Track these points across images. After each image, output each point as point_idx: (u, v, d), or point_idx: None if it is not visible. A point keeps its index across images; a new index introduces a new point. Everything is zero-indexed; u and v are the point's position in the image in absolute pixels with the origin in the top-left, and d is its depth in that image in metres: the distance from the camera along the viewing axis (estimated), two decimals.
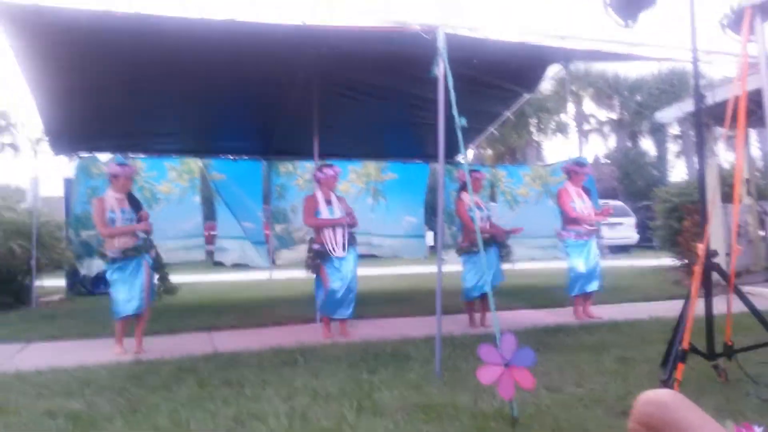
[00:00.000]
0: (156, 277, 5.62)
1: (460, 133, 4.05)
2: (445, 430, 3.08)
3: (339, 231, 5.84)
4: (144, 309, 5.33)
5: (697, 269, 3.60)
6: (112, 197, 5.36)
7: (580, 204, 6.66)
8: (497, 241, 6.44)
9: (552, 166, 9.42)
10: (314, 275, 5.93)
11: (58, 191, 11.60)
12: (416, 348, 4.99)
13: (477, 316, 6.45)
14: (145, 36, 4.99)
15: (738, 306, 3.73)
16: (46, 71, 5.86)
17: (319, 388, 3.83)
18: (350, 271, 5.86)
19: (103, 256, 5.43)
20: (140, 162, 7.97)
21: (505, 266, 6.78)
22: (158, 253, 5.63)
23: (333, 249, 5.77)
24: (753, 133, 14.79)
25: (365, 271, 12.40)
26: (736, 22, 3.83)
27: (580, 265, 6.50)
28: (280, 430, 3.10)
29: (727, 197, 8.64)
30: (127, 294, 5.22)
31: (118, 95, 6.72)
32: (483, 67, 6.28)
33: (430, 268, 11.91)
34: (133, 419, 3.31)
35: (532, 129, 28.90)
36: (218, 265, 10.34)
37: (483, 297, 6.16)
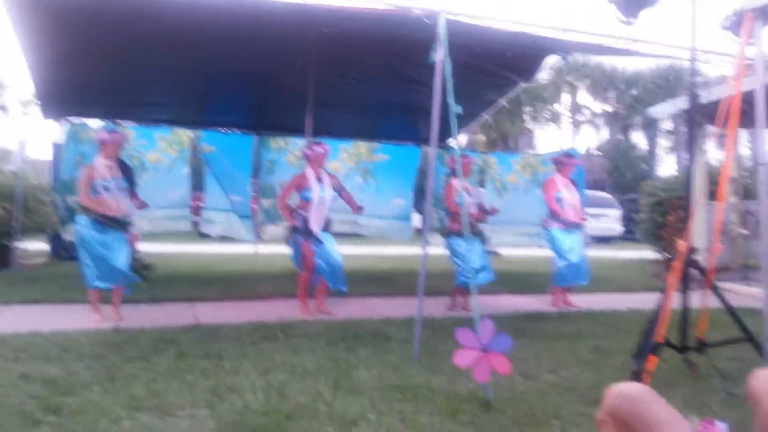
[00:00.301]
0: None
1: (455, 120, 4.05)
2: (419, 410, 3.13)
3: (323, 211, 5.85)
4: (124, 282, 5.29)
5: (677, 264, 3.66)
6: (102, 165, 5.30)
7: (567, 195, 6.69)
8: (477, 235, 6.45)
9: (543, 155, 9.44)
10: (294, 250, 5.95)
11: (45, 155, 11.53)
12: (396, 329, 5.04)
13: (460, 300, 6.50)
14: (143, 5, 4.92)
15: (714, 302, 3.79)
16: (40, 34, 5.76)
17: (298, 365, 3.87)
18: (332, 249, 5.90)
19: (86, 210, 5.26)
20: (130, 130, 7.89)
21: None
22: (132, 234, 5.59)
23: (313, 227, 5.79)
24: (743, 133, 14.89)
25: (349, 250, 12.45)
26: (736, 24, 3.85)
27: (572, 256, 6.54)
28: (257, 404, 3.13)
29: (714, 195, 8.74)
30: (100, 266, 5.15)
31: (111, 62, 6.63)
32: (481, 55, 6.25)
33: (415, 250, 11.96)
34: (110, 387, 3.32)
35: (526, 117, 28.91)
36: (204, 236, 10.32)
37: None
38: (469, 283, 6.22)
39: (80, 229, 5.22)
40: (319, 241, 5.84)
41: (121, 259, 5.23)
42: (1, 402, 3.04)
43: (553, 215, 6.66)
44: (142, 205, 5.63)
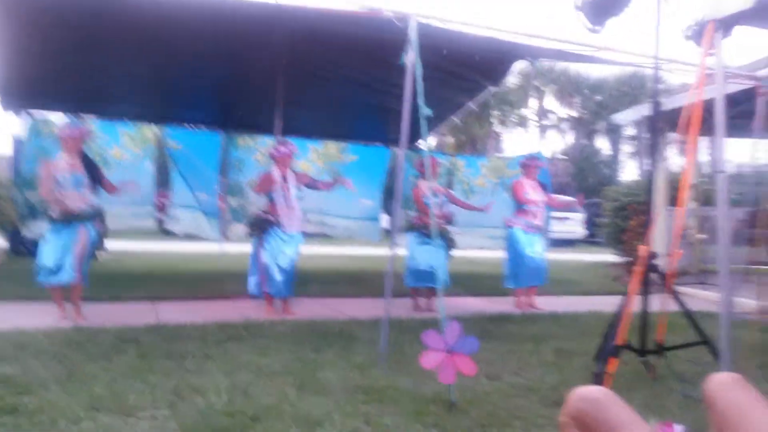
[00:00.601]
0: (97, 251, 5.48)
1: (425, 123, 4.07)
2: (384, 411, 3.14)
3: (294, 207, 5.83)
4: (74, 281, 5.17)
5: (637, 269, 3.74)
6: (64, 160, 5.20)
7: (534, 197, 6.80)
8: (445, 238, 6.51)
9: (510, 159, 9.55)
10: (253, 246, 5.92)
11: (4, 149, 11.19)
12: (363, 329, 5.04)
13: (422, 300, 6.54)
14: None
15: (674, 306, 3.89)
16: (0, 25, 5.59)
17: (263, 365, 3.84)
18: (293, 250, 5.87)
19: (47, 215, 5.28)
20: (92, 125, 7.71)
21: (454, 253, 6.88)
22: (104, 226, 5.49)
23: (285, 225, 5.76)
24: (703, 140, 15.29)
25: (318, 250, 12.41)
26: (698, 33, 3.95)
27: (525, 257, 6.64)
28: (220, 405, 3.10)
29: (674, 200, 8.97)
30: (53, 260, 5.04)
31: (75, 54, 6.47)
32: (451, 58, 6.29)
33: (382, 251, 11.98)
34: (69, 387, 3.25)
35: (494, 120, 29.20)
36: (168, 234, 10.15)
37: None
38: (417, 284, 6.35)
39: (44, 225, 5.16)
40: (279, 241, 5.80)
41: (71, 256, 5.11)
42: None
43: (522, 207, 6.74)
44: (113, 189, 5.60)
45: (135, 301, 6.20)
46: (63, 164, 5.19)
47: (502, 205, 8.57)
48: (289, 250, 5.84)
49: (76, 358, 3.80)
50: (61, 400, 3.03)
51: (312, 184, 6.19)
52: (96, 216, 5.36)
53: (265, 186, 5.94)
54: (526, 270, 6.67)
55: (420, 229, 6.36)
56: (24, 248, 9.44)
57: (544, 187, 7.04)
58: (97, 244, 5.53)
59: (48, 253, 5.07)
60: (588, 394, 1.76)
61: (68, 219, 5.12)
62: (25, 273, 7.58)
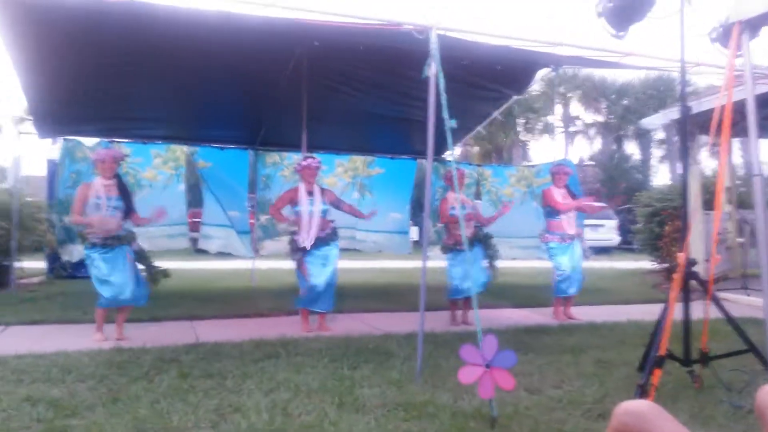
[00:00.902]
0: (143, 268, 5.59)
1: (450, 135, 4.07)
2: (424, 428, 3.12)
3: (315, 224, 5.85)
4: (131, 302, 5.29)
5: (677, 277, 3.68)
6: (99, 183, 5.33)
7: (565, 204, 6.72)
8: (481, 241, 6.50)
9: (537, 167, 9.50)
10: (296, 268, 5.97)
11: (40, 171, 11.48)
12: (398, 344, 5.03)
13: (459, 313, 6.51)
14: (136, 23, 4.95)
15: (714, 312, 3.81)
16: (33, 52, 5.77)
17: (301, 383, 3.85)
18: (331, 265, 5.89)
19: (83, 238, 5.38)
20: (125, 147, 7.90)
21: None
22: (140, 246, 5.60)
23: (304, 241, 5.79)
24: (736, 142, 15.02)
25: (348, 264, 12.45)
26: (724, 35, 3.90)
27: (567, 267, 6.58)
28: (261, 424, 3.11)
29: (709, 204, 8.81)
30: (112, 285, 5.17)
31: (106, 80, 6.66)
32: (474, 69, 6.31)
33: (413, 263, 11.98)
34: (113, 408, 3.30)
35: (520, 129, 29.05)
36: (201, 252, 10.31)
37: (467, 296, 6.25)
38: (457, 295, 6.31)
39: (88, 252, 5.27)
40: (321, 257, 5.84)
41: (126, 278, 5.23)
42: (8, 426, 3.01)
43: (554, 216, 6.68)
44: (142, 221, 5.67)
45: (173, 320, 6.28)
46: (99, 186, 5.32)
47: (533, 215, 8.53)
48: (325, 266, 5.86)
49: (119, 379, 3.86)
50: (107, 422, 3.09)
51: (337, 204, 6.20)
52: (134, 239, 5.47)
53: (291, 199, 6.01)
54: (570, 279, 6.61)
55: (454, 248, 6.33)
56: (62, 270, 9.66)
57: (574, 195, 6.96)
58: (150, 268, 5.62)
59: (105, 278, 5.18)
60: (633, 407, 1.73)
61: (111, 244, 5.24)
62: (64, 295, 7.79)
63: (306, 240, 5.80)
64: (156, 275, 5.60)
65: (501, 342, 3.27)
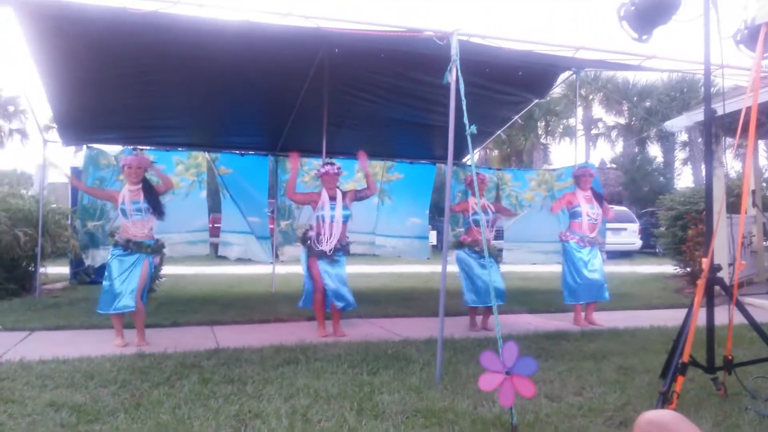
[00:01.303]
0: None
1: (470, 141, 4.06)
2: None
3: (336, 230, 5.87)
4: (133, 309, 5.30)
5: (701, 283, 3.62)
6: (126, 190, 5.43)
7: (587, 209, 6.66)
8: (491, 253, 6.47)
9: (558, 170, 9.43)
10: (303, 262, 6.01)
11: (64, 178, 11.67)
12: (417, 350, 5.02)
13: (478, 318, 6.48)
14: (159, 34, 5.03)
15: (739, 318, 3.74)
16: (58, 62, 5.89)
17: (320, 389, 3.86)
18: (340, 268, 5.93)
19: (112, 236, 5.50)
20: (149, 154, 7.99)
21: (504, 269, 6.79)
22: (162, 259, 5.66)
23: (323, 247, 5.82)
24: (761, 144, 14.76)
25: (366, 269, 12.47)
26: (750, 37, 3.84)
27: (584, 273, 6.50)
28: (281, 430, 3.13)
29: (732, 207, 8.66)
30: (116, 289, 5.22)
31: (129, 88, 6.76)
32: (495, 74, 6.30)
33: (432, 268, 11.97)
34: (136, 414, 3.34)
35: (540, 132, 28.85)
36: (221, 257, 10.41)
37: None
38: (475, 302, 6.28)
39: (112, 250, 5.41)
40: (333, 261, 5.86)
41: (131, 286, 5.27)
42: (32, 431, 3.06)
43: (574, 219, 6.62)
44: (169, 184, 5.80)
45: (194, 326, 6.34)
46: (125, 193, 5.40)
47: (553, 220, 8.46)
48: (336, 270, 5.88)
49: (141, 385, 3.91)
50: (129, 428, 3.13)
51: (361, 197, 6.23)
52: (158, 251, 5.53)
53: (301, 198, 6.05)
54: (583, 286, 6.53)
55: (470, 246, 6.32)
56: (86, 276, 9.81)
57: (598, 197, 6.88)
58: (155, 275, 5.71)
59: (110, 283, 5.26)
60: (657, 418, 1.70)
61: (132, 249, 5.31)
62: (87, 300, 7.89)
63: (326, 246, 5.83)
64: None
65: (521, 348, 3.24)
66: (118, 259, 5.31)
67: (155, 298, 6.57)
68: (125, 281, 5.26)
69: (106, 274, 5.36)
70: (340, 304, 5.89)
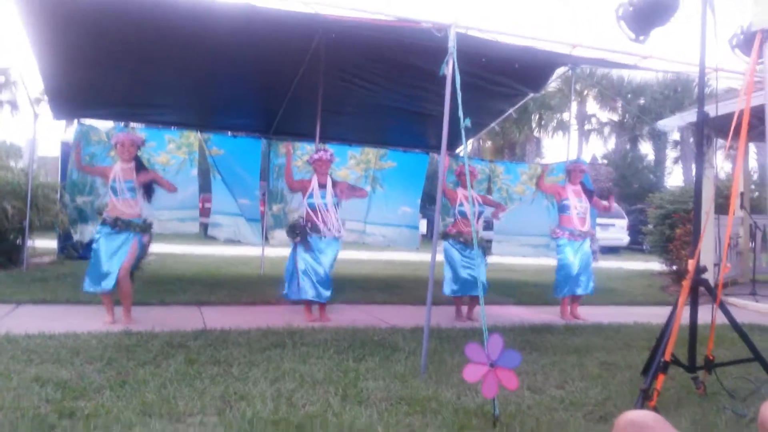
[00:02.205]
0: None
1: (464, 133, 4.07)
2: (427, 423, 3.15)
3: (328, 216, 5.88)
4: (113, 287, 5.28)
5: (686, 284, 3.67)
6: (118, 167, 5.40)
7: (576, 203, 6.71)
8: (482, 247, 6.52)
9: (550, 165, 9.45)
10: (291, 251, 6.03)
11: (54, 152, 11.58)
12: (403, 338, 5.06)
13: (464, 308, 6.53)
14: (156, 11, 4.98)
15: (722, 318, 3.80)
16: (51, 35, 5.83)
17: (306, 373, 3.89)
18: (330, 257, 5.94)
19: (100, 214, 5.49)
20: (141, 132, 7.95)
21: (491, 260, 6.83)
22: (150, 240, 5.64)
23: (323, 232, 5.83)
24: (750, 147, 14.88)
25: (355, 255, 12.49)
26: (745, 42, 3.87)
27: (570, 267, 6.57)
28: (266, 413, 3.15)
29: (720, 209, 8.74)
30: (104, 268, 5.21)
31: (122, 65, 6.70)
32: (491, 67, 6.29)
33: (421, 256, 12.00)
34: (121, 392, 3.35)
35: (534, 125, 28.90)
36: (211, 238, 10.39)
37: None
38: (454, 292, 6.33)
39: (99, 228, 5.38)
40: (314, 248, 5.86)
41: (118, 265, 5.25)
42: (17, 405, 3.06)
43: (564, 212, 6.67)
44: (174, 188, 5.90)
45: (181, 305, 6.35)
46: (117, 170, 5.38)
47: (543, 213, 8.51)
48: (326, 258, 5.90)
49: (127, 363, 3.91)
50: (115, 405, 3.13)
51: (350, 193, 6.25)
52: (146, 230, 5.51)
53: (298, 186, 6.06)
54: (571, 280, 6.59)
55: (455, 237, 6.36)
56: (74, 251, 9.77)
57: (588, 192, 6.93)
58: (143, 255, 5.70)
59: (97, 261, 5.25)
60: (637, 418, 1.74)
61: (120, 227, 5.29)
62: (74, 276, 7.85)
63: (326, 232, 5.84)
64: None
65: (506, 340, 3.28)
66: (107, 238, 5.29)
67: (141, 277, 6.55)
68: (113, 260, 5.25)
69: (93, 252, 5.34)
70: (315, 298, 5.91)
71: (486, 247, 6.78)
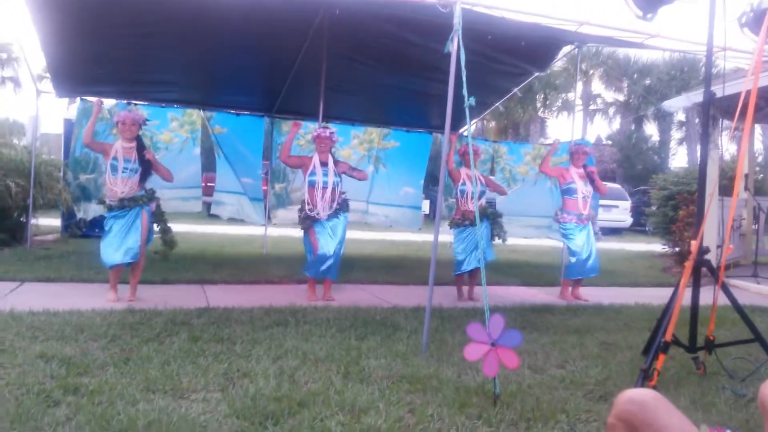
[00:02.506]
0: (157, 227, 5.70)
1: (468, 112, 4.04)
2: (428, 401, 3.17)
3: (328, 195, 5.87)
4: (138, 258, 5.37)
5: (688, 265, 3.67)
6: (119, 145, 5.39)
7: (580, 186, 6.67)
8: (489, 218, 6.52)
9: (555, 145, 9.39)
10: (304, 235, 6.03)
11: (57, 129, 11.55)
12: (405, 318, 5.08)
13: (465, 289, 6.54)
14: None
15: (723, 299, 3.80)
16: (53, 11, 5.78)
17: (308, 351, 3.92)
18: (338, 236, 5.93)
19: (103, 203, 5.51)
20: (143, 110, 7.91)
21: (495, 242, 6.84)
22: (159, 206, 5.70)
23: (318, 212, 5.83)
24: (756, 128, 14.78)
25: (358, 235, 12.51)
26: (754, 21, 3.81)
27: (581, 252, 6.55)
28: (268, 390, 3.18)
29: (724, 190, 8.71)
30: (118, 244, 5.25)
31: (125, 42, 6.66)
32: (497, 45, 6.23)
33: (424, 236, 12.02)
34: (125, 368, 3.38)
35: (538, 105, 28.71)
36: (214, 216, 10.41)
37: (473, 271, 6.29)
38: (460, 270, 6.35)
39: (108, 215, 5.39)
40: (321, 227, 5.87)
41: (134, 238, 5.29)
42: (22, 381, 3.10)
43: (568, 195, 6.64)
44: (171, 176, 5.83)
45: (185, 284, 6.38)
46: (118, 148, 5.37)
47: (546, 194, 8.49)
48: (334, 236, 5.90)
49: (131, 340, 3.95)
50: (118, 382, 3.17)
51: (350, 174, 6.24)
52: (152, 198, 5.54)
53: (304, 166, 6.03)
54: (583, 263, 6.58)
55: (462, 223, 6.35)
56: (77, 229, 9.79)
57: (594, 174, 6.88)
58: (166, 231, 5.80)
59: (111, 239, 5.27)
60: (637, 396, 1.75)
61: (128, 205, 5.31)
62: (78, 253, 7.91)
63: (321, 211, 5.83)
64: (171, 240, 5.68)
65: (507, 320, 3.29)
66: (116, 218, 5.31)
67: (149, 254, 6.59)
68: (129, 236, 5.29)
69: (106, 232, 5.34)
70: (324, 276, 5.94)
71: (498, 223, 6.74)
